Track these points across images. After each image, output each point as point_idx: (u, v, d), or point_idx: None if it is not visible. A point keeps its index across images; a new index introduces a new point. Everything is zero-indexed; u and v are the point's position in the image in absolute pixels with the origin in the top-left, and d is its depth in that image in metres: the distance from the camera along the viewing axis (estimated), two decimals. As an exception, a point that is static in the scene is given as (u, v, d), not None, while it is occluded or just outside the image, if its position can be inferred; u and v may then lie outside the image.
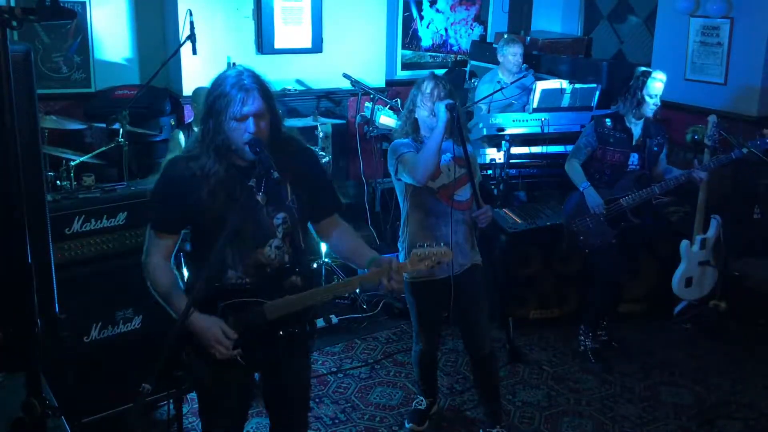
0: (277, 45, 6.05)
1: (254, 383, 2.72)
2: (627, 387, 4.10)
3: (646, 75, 4.02)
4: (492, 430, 3.53)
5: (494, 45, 6.89)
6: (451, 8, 7.38)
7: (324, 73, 6.23)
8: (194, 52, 4.96)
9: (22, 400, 1.70)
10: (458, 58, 7.43)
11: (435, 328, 3.56)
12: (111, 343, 3.39)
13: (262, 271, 2.41)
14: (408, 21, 7.21)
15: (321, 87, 6.28)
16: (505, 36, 6.10)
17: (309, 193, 2.50)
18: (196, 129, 4.94)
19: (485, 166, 5.18)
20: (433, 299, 3.37)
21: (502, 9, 7.51)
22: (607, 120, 4.13)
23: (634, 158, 4.11)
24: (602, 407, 3.90)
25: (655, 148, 4.16)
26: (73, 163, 4.18)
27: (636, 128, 4.10)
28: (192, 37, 4.91)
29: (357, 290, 4.98)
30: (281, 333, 2.44)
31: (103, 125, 5.03)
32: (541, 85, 5.20)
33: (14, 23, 1.58)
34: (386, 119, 5.51)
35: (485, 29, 7.59)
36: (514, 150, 5.15)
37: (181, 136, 4.99)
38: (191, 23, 4.90)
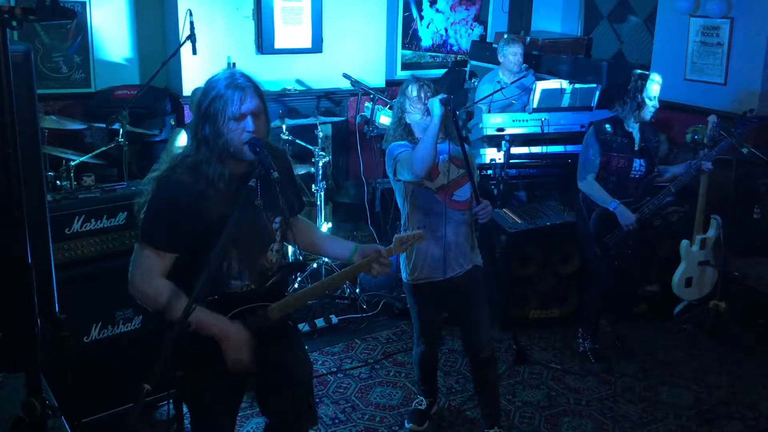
0: (277, 45, 6.05)
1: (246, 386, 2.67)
2: (627, 387, 4.10)
3: (644, 78, 4.00)
4: (491, 430, 3.53)
5: (494, 45, 6.89)
6: (451, 8, 7.38)
7: (324, 73, 6.24)
8: (194, 52, 4.96)
9: (22, 400, 1.70)
10: (458, 58, 7.43)
11: (436, 329, 3.57)
12: (111, 343, 3.39)
13: (265, 276, 2.42)
14: (408, 21, 7.21)
15: (321, 87, 6.28)
16: (505, 36, 6.10)
17: (288, 192, 2.51)
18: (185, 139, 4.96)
19: (485, 166, 5.18)
20: (434, 300, 3.38)
21: (502, 9, 7.51)
22: (607, 125, 4.08)
23: (638, 163, 4.06)
24: (602, 407, 3.90)
25: (657, 150, 4.17)
26: (73, 163, 4.19)
27: (636, 132, 4.09)
28: (192, 37, 4.92)
29: (357, 290, 4.99)
30: (279, 331, 2.46)
31: (103, 125, 5.03)
32: (541, 85, 5.20)
33: (14, 23, 1.58)
34: (386, 119, 5.51)
35: (485, 29, 7.59)
36: (514, 150, 5.15)
37: (182, 135, 5.00)
38: (191, 23, 4.90)
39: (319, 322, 4.61)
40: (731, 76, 5.67)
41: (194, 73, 5.74)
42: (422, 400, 3.73)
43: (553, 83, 5.29)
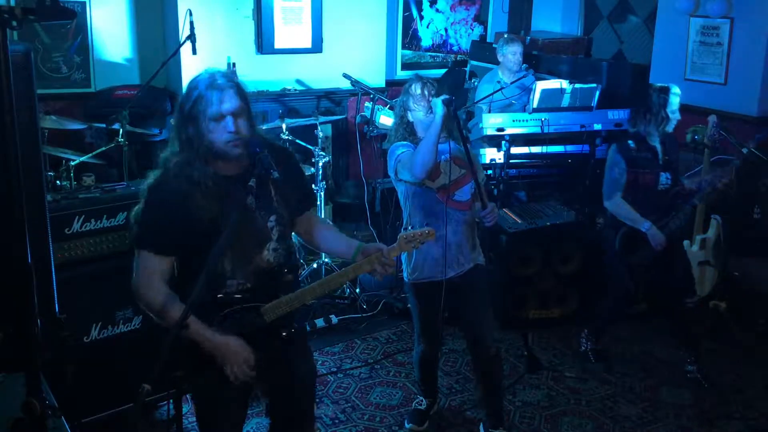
0: (277, 45, 6.05)
1: (252, 387, 2.66)
2: (627, 387, 4.10)
3: (665, 92, 3.91)
4: (492, 430, 3.53)
5: (494, 45, 6.89)
6: (451, 8, 7.38)
7: (324, 73, 6.23)
8: (194, 52, 4.96)
9: (22, 400, 1.70)
10: (458, 58, 7.43)
11: (437, 330, 3.56)
12: (111, 343, 3.39)
13: (261, 276, 2.40)
14: (408, 21, 7.21)
15: (321, 87, 6.28)
16: (505, 36, 6.10)
17: (289, 190, 2.49)
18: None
19: (485, 166, 5.17)
20: (436, 300, 3.37)
21: (502, 9, 7.51)
22: (630, 142, 3.98)
23: (664, 177, 3.98)
24: (602, 407, 3.90)
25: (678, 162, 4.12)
26: (73, 163, 4.18)
27: (658, 146, 4.00)
28: (192, 37, 4.91)
29: (357, 290, 4.99)
30: (284, 334, 2.44)
31: (103, 125, 5.03)
32: (541, 85, 5.20)
33: (14, 23, 1.58)
34: (386, 119, 5.50)
35: (485, 29, 7.59)
36: (514, 150, 5.15)
37: None
38: (191, 23, 4.90)
39: (319, 322, 4.61)
40: (731, 76, 5.67)
41: (194, 73, 5.70)
42: (422, 400, 3.73)
43: (553, 83, 5.28)
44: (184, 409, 3.25)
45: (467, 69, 6.88)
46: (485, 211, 3.17)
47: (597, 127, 5.19)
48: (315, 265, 5.08)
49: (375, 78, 6.48)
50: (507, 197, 5.22)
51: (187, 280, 2.28)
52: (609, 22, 7.23)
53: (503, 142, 5.05)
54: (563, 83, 5.26)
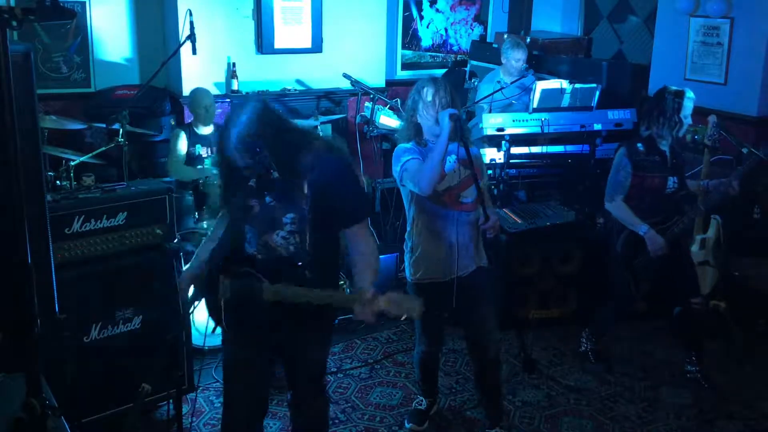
0: (277, 45, 6.05)
1: (271, 367, 2.91)
2: (627, 387, 4.10)
3: (681, 96, 3.88)
4: (492, 430, 3.53)
5: (494, 45, 6.89)
6: (451, 8, 7.38)
7: (324, 73, 6.23)
8: (194, 52, 4.96)
9: (22, 400, 1.70)
10: (458, 58, 7.43)
11: (438, 330, 3.56)
12: (111, 343, 3.39)
13: (271, 253, 2.59)
14: (408, 21, 7.21)
15: (321, 87, 6.28)
16: (511, 37, 6.06)
17: (329, 200, 2.57)
18: (197, 130, 4.97)
19: (485, 166, 5.17)
20: (438, 301, 3.37)
21: (502, 9, 7.51)
22: (639, 145, 3.95)
23: (671, 181, 3.96)
24: (602, 407, 3.90)
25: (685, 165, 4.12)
26: (73, 163, 4.18)
27: (667, 149, 3.98)
28: (192, 37, 4.91)
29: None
30: (288, 317, 2.57)
31: (103, 125, 5.03)
32: (541, 85, 5.20)
33: (14, 23, 1.58)
34: (386, 119, 5.51)
35: (485, 29, 7.58)
36: (514, 150, 5.15)
37: (183, 136, 5.00)
38: (191, 23, 4.90)
39: (319, 322, 4.61)
40: (731, 76, 5.67)
41: (194, 73, 5.74)
42: (422, 400, 3.73)
43: (553, 83, 5.28)
44: (184, 409, 3.26)
45: (467, 69, 6.89)
46: (488, 224, 3.15)
47: (597, 127, 5.19)
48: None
49: (375, 78, 6.48)
50: (507, 197, 5.22)
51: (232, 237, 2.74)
52: (609, 22, 7.23)
53: (503, 142, 5.05)
54: (563, 83, 5.25)
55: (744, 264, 4.82)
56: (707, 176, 4.20)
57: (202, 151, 4.97)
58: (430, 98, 3.17)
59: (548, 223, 4.69)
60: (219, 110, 5.45)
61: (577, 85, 5.24)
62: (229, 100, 5.91)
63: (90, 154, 4.49)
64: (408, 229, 3.37)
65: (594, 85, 5.33)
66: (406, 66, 7.27)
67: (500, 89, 5.47)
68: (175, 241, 3.59)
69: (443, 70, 7.21)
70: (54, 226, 2.87)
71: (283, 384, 3.15)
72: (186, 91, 5.65)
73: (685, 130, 3.98)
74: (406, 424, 3.68)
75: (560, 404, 3.92)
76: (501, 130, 5.05)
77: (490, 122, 5.05)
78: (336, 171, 2.60)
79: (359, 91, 5.74)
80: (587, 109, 5.26)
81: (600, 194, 4.14)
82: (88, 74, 5.91)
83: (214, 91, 5.71)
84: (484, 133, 5.11)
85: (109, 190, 3.45)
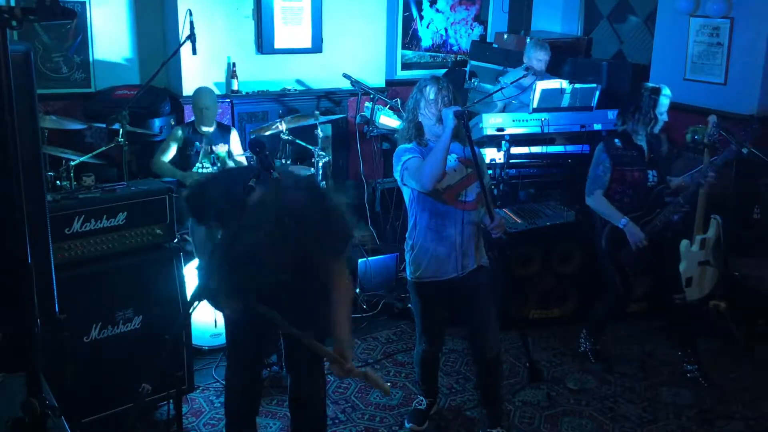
0: (277, 45, 6.05)
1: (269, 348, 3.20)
2: (627, 387, 4.10)
3: (657, 92, 3.94)
4: (493, 430, 3.53)
5: (494, 45, 6.89)
6: (451, 8, 7.38)
7: (324, 73, 6.23)
8: (194, 52, 4.96)
9: (22, 400, 1.70)
10: (458, 58, 7.43)
11: (439, 330, 3.56)
12: (111, 343, 3.39)
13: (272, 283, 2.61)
14: (408, 21, 7.21)
15: (321, 87, 6.28)
16: (534, 39, 6.05)
17: (304, 235, 2.49)
18: (198, 128, 4.97)
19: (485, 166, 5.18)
20: (438, 300, 3.37)
21: (502, 9, 7.50)
22: (616, 140, 4.03)
23: (651, 174, 4.02)
24: (602, 407, 3.90)
25: (663, 159, 4.14)
26: (73, 163, 4.19)
27: (644, 144, 4.04)
28: (192, 37, 4.91)
29: (357, 290, 4.98)
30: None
31: (103, 125, 5.03)
32: (541, 85, 5.20)
33: (14, 23, 1.58)
34: (386, 119, 5.51)
35: (485, 29, 7.58)
36: (514, 150, 5.14)
37: (179, 134, 5.00)
38: (191, 23, 4.90)
39: (319, 322, 4.61)
40: (731, 76, 5.66)
41: (194, 73, 5.74)
42: (422, 400, 3.73)
43: (553, 83, 5.28)
44: (184, 409, 3.26)
45: (467, 69, 6.88)
46: (493, 224, 3.20)
47: (597, 127, 5.19)
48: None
49: (375, 78, 6.48)
50: (507, 197, 5.22)
51: None
52: (609, 22, 7.23)
53: (503, 142, 5.05)
54: (563, 83, 5.26)
55: (744, 264, 4.82)
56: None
57: (201, 148, 4.97)
58: (432, 96, 3.17)
59: (548, 223, 4.69)
60: (220, 110, 5.45)
61: (577, 85, 5.24)
62: (229, 100, 5.92)
63: (90, 154, 4.50)
64: (409, 227, 3.37)
65: (594, 85, 5.33)
66: (406, 66, 7.26)
67: (500, 89, 5.47)
68: (175, 241, 3.60)
69: (443, 70, 7.21)
70: (54, 226, 2.86)
71: (284, 384, 3.18)
72: (186, 91, 5.66)
73: (660, 127, 4.02)
74: (406, 424, 3.68)
75: (560, 404, 3.92)
76: (501, 130, 5.05)
77: (490, 122, 5.05)
78: (310, 204, 2.56)
79: (359, 91, 5.74)
80: (587, 109, 5.26)
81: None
82: (88, 74, 5.91)
83: (215, 90, 5.70)
84: (484, 133, 5.11)
85: (109, 190, 3.45)
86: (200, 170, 4.87)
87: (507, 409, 3.81)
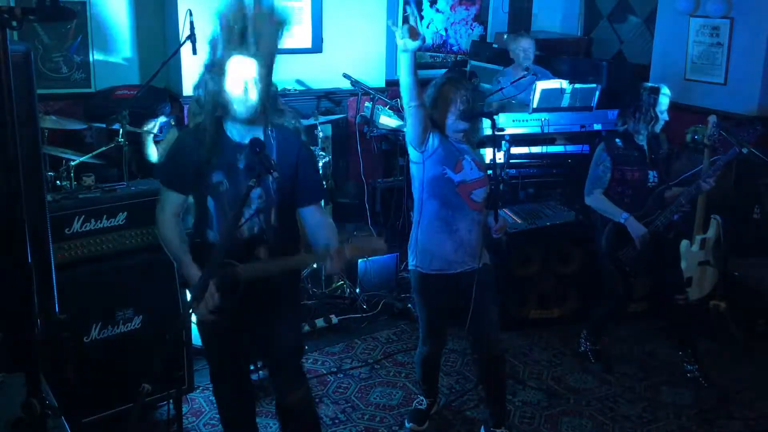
0: (277, 45, 6.04)
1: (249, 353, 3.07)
2: (627, 387, 4.10)
3: (656, 92, 3.95)
4: (496, 430, 3.52)
5: (494, 45, 6.88)
6: (451, 8, 7.38)
7: (324, 73, 6.23)
8: (194, 52, 4.95)
9: (22, 400, 1.70)
10: (458, 58, 7.42)
11: (443, 326, 3.55)
12: (111, 343, 3.39)
13: (235, 238, 2.58)
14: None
15: (321, 87, 6.27)
16: (510, 33, 6.06)
17: (293, 178, 2.70)
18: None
19: (485, 167, 5.17)
20: (442, 294, 3.37)
21: (502, 9, 7.50)
22: (617, 140, 4.03)
23: (651, 175, 4.03)
24: (602, 407, 3.90)
25: (664, 160, 4.15)
26: (73, 163, 4.18)
27: (645, 144, 4.04)
28: (192, 37, 4.91)
29: (357, 290, 4.98)
30: (262, 291, 2.65)
31: (103, 125, 5.03)
32: (541, 85, 5.20)
33: (14, 23, 1.58)
34: (386, 119, 5.51)
35: (485, 29, 7.58)
36: (514, 150, 5.14)
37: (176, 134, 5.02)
38: (191, 23, 4.90)
39: (319, 322, 4.61)
40: (731, 76, 5.66)
41: (194, 73, 5.68)
42: (422, 400, 3.73)
43: (553, 83, 5.29)
44: (184, 409, 3.26)
45: (467, 69, 6.88)
46: (497, 225, 3.25)
47: (597, 127, 5.20)
48: (315, 265, 5.08)
49: (375, 78, 6.48)
50: (507, 197, 5.22)
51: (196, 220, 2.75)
52: (609, 22, 7.23)
53: (503, 142, 5.05)
54: (563, 83, 5.26)
55: (744, 264, 4.82)
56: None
57: None
58: (450, 96, 3.22)
59: (548, 223, 4.69)
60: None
61: (577, 85, 5.24)
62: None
63: (90, 154, 4.49)
64: (416, 217, 3.36)
65: (594, 85, 5.33)
66: (406, 66, 7.25)
67: (500, 89, 5.47)
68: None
69: (443, 70, 7.20)
70: (54, 226, 2.87)
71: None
72: (186, 91, 5.65)
73: (661, 126, 4.02)
74: (406, 424, 3.68)
75: (560, 404, 3.92)
76: (501, 130, 5.05)
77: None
78: (300, 149, 2.75)
79: (359, 91, 5.74)
80: (587, 109, 5.26)
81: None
82: (88, 74, 5.90)
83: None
84: (484, 133, 5.10)
85: (109, 190, 3.45)
86: None
87: (507, 409, 3.80)
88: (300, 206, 2.79)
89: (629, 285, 4.12)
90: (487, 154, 5.17)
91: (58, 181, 4.20)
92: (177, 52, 5.25)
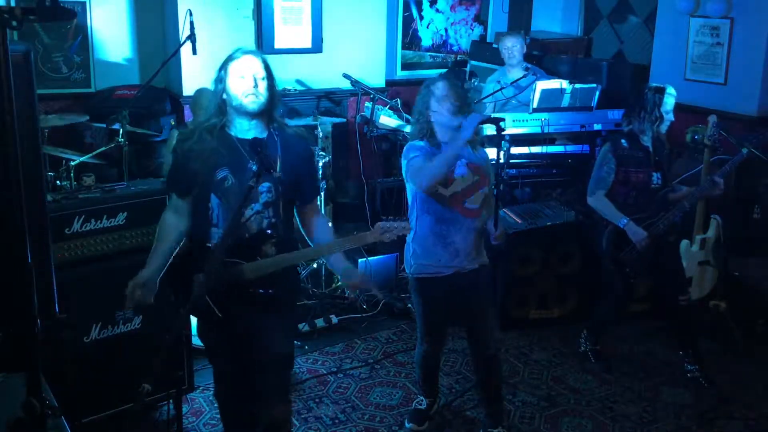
0: (277, 45, 6.05)
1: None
2: (627, 387, 4.10)
3: (661, 92, 3.93)
4: (493, 430, 3.53)
5: (494, 45, 6.88)
6: (451, 8, 7.38)
7: (324, 73, 6.23)
8: (194, 52, 4.96)
9: (22, 400, 1.70)
10: (458, 58, 7.42)
11: (440, 328, 3.56)
12: (111, 343, 3.39)
13: (242, 234, 2.60)
14: (408, 21, 7.21)
15: (321, 87, 6.28)
16: (500, 35, 6.08)
17: (296, 175, 2.73)
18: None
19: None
20: (439, 297, 3.37)
21: (502, 9, 7.50)
22: (623, 141, 4.02)
23: (655, 176, 4.01)
24: (602, 407, 3.90)
25: (668, 162, 4.15)
26: (73, 163, 4.19)
27: (650, 146, 4.02)
28: (192, 37, 4.91)
29: (357, 290, 4.97)
30: (260, 292, 2.65)
31: (103, 125, 5.03)
32: (541, 85, 5.20)
33: (14, 23, 1.58)
34: (386, 119, 5.51)
35: (485, 29, 7.58)
36: (514, 150, 5.14)
37: (175, 136, 5.01)
38: (191, 23, 4.90)
39: (319, 322, 4.61)
40: (731, 76, 5.67)
41: (194, 73, 5.73)
42: (422, 400, 3.73)
43: (553, 83, 5.28)
44: (184, 409, 3.26)
45: (467, 69, 6.88)
46: (496, 233, 3.24)
47: (597, 127, 5.20)
48: (315, 265, 5.08)
49: (375, 78, 6.48)
50: (507, 197, 5.22)
51: (196, 224, 2.74)
52: (609, 22, 7.23)
53: (503, 142, 5.05)
54: (563, 83, 5.25)
55: (744, 264, 4.82)
56: (707, 176, 4.21)
57: None
58: (444, 92, 3.17)
59: (548, 223, 4.69)
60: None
61: (577, 85, 5.24)
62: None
63: (90, 154, 4.50)
64: (411, 223, 3.36)
65: (594, 85, 5.33)
66: (406, 66, 7.26)
67: (500, 89, 5.46)
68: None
69: (443, 70, 7.21)
70: (54, 226, 2.88)
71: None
72: (186, 91, 5.66)
73: (667, 126, 4.01)
74: (406, 424, 3.68)
75: (560, 404, 3.92)
76: (502, 129, 5.04)
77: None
78: (300, 152, 2.79)
79: (359, 91, 5.74)
80: (587, 109, 5.26)
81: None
82: (88, 74, 5.91)
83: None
84: (484, 133, 5.10)
85: (109, 190, 3.46)
86: None
87: (507, 409, 3.81)
88: (299, 204, 2.84)
89: (630, 285, 4.12)
90: (489, 154, 5.19)
91: (58, 181, 4.21)
92: (177, 52, 5.26)
